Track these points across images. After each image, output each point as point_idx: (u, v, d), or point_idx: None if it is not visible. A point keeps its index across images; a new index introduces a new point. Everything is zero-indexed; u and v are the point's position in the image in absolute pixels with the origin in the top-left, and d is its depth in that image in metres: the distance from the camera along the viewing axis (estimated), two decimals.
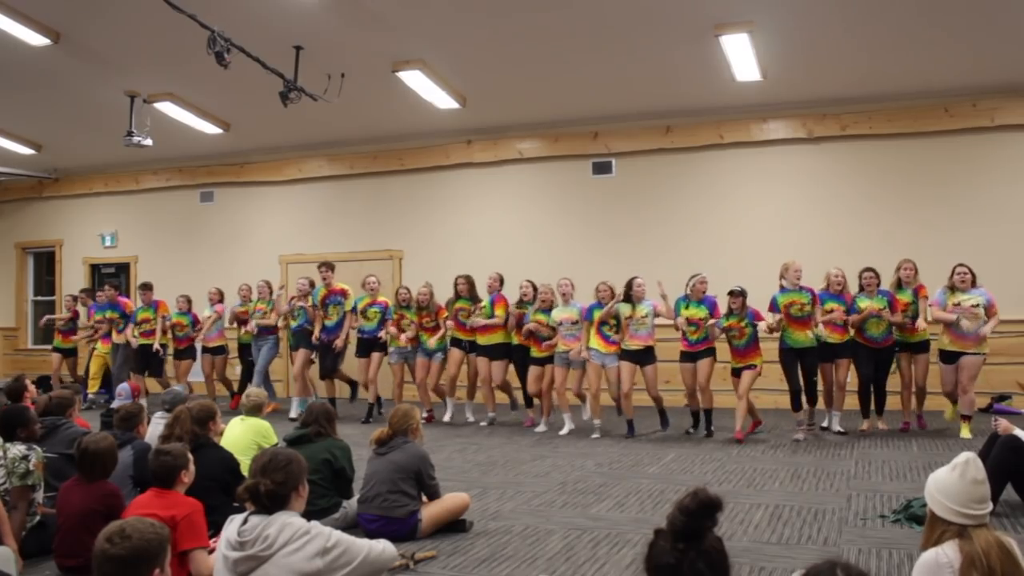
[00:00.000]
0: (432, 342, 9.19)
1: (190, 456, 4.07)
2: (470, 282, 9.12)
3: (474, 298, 9.08)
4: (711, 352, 7.96)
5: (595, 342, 8.15)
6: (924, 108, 9.70)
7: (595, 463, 6.94)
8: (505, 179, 11.56)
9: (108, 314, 11.04)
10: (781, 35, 8.65)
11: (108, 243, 13.97)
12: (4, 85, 10.63)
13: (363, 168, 12.20)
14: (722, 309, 7.93)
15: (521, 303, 8.80)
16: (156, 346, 10.60)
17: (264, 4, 8.48)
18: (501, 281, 9.06)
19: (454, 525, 4.90)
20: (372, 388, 9.51)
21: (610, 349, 8.10)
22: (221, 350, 10.61)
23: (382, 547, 3.37)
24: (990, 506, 2.61)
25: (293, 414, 9.56)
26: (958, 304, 7.36)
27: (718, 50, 8.82)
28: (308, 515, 3.28)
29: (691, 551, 1.99)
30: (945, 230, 9.38)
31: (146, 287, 10.97)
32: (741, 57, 8.92)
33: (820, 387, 8.03)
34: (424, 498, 4.87)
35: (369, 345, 9.55)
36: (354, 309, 9.60)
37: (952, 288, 7.46)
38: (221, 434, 5.37)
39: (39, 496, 4.57)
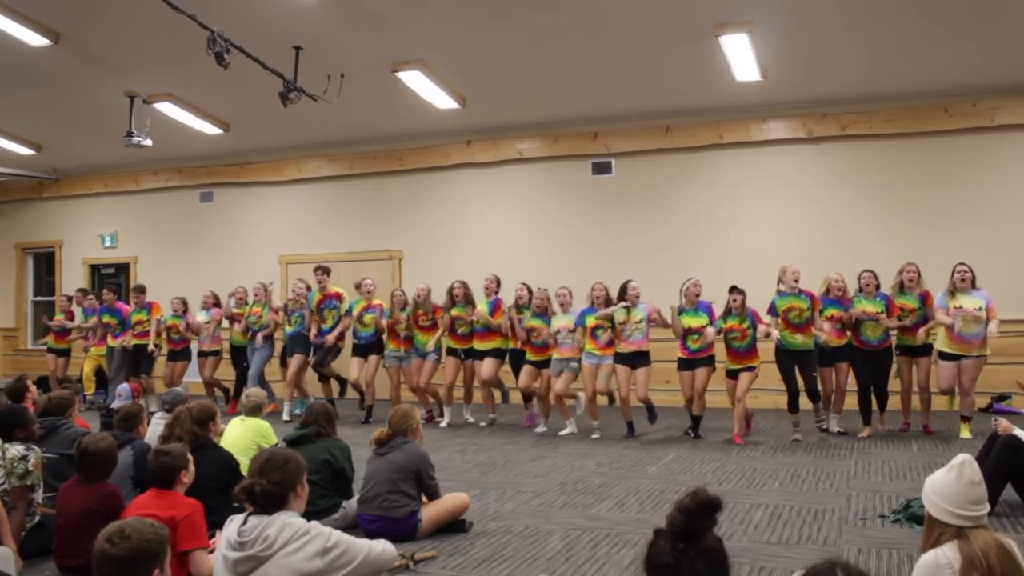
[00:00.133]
0: (429, 343, 9.14)
1: (190, 456, 4.07)
2: (466, 288, 9.08)
3: (470, 303, 9.04)
4: (710, 361, 7.89)
5: (589, 345, 8.11)
6: (924, 108, 9.70)
7: (595, 463, 6.94)
8: (505, 179, 11.56)
9: (105, 318, 11.04)
10: (781, 35, 8.65)
11: (108, 243, 13.98)
12: (4, 85, 10.63)
13: (363, 168, 12.20)
14: (719, 310, 7.88)
15: (517, 307, 8.75)
16: (151, 346, 10.59)
17: (264, 4, 8.48)
18: (498, 283, 9.03)
19: (454, 525, 4.89)
20: (370, 391, 9.50)
21: (605, 352, 8.06)
22: (216, 354, 10.60)
23: (382, 547, 3.37)
24: (987, 507, 2.61)
25: (286, 416, 9.54)
26: (960, 307, 7.32)
27: (718, 50, 8.82)
28: (308, 515, 3.28)
29: (691, 551, 1.99)
30: (945, 230, 9.38)
31: (139, 290, 10.99)
32: (741, 57, 8.92)
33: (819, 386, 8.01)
34: (424, 498, 4.87)
35: (365, 350, 9.50)
36: (349, 312, 9.54)
37: (953, 291, 7.42)
38: (221, 434, 5.37)
39: (38, 496, 4.57)
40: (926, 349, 7.79)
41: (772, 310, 7.75)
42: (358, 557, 3.19)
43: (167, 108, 10.94)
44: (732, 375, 7.80)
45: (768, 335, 7.61)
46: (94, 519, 3.86)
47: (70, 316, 11.78)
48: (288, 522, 3.09)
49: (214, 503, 4.22)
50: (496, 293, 8.99)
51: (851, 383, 8.03)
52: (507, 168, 11.52)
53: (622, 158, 10.98)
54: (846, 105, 9.92)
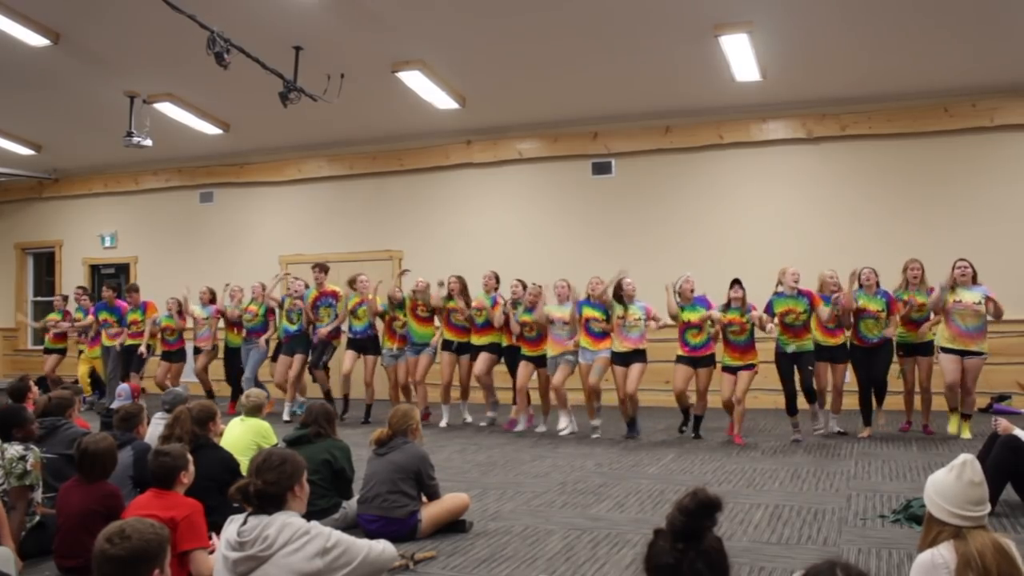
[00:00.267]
0: (424, 333, 9.12)
1: (189, 457, 4.07)
2: (462, 283, 9.07)
3: (466, 299, 9.03)
4: (711, 361, 7.86)
5: (584, 340, 8.10)
6: (924, 108, 9.70)
7: (595, 463, 6.94)
8: (505, 179, 11.57)
9: (103, 315, 11.02)
10: (780, 35, 8.65)
11: (108, 244, 13.99)
12: (4, 85, 10.64)
13: (363, 168, 12.20)
14: (716, 305, 7.85)
15: (512, 303, 8.72)
16: (142, 348, 10.55)
17: (264, 4, 8.48)
18: (497, 280, 9.03)
19: (454, 525, 4.89)
20: (369, 391, 9.50)
21: (598, 345, 8.02)
22: (211, 350, 10.58)
23: (382, 547, 3.37)
24: (987, 508, 2.60)
25: (286, 416, 9.54)
26: (959, 301, 7.32)
27: (718, 50, 8.82)
28: (308, 515, 3.27)
29: (691, 551, 1.99)
30: (945, 230, 9.37)
31: (133, 289, 10.98)
32: (741, 57, 8.92)
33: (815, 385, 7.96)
34: (424, 498, 4.87)
35: (359, 345, 9.49)
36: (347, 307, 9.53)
37: (953, 286, 7.41)
38: (221, 435, 5.37)
39: (37, 496, 4.57)
40: (928, 348, 7.78)
41: (769, 310, 7.70)
42: (358, 557, 3.19)
43: (167, 108, 10.94)
44: (731, 371, 7.70)
45: (761, 321, 7.50)
46: (94, 519, 3.86)
47: (67, 316, 11.73)
48: (288, 522, 3.08)
49: (214, 503, 4.22)
50: (495, 290, 9.00)
51: (852, 383, 8.02)
52: (507, 168, 11.53)
53: (622, 158, 10.98)
54: (846, 105, 9.92)
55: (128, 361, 10.67)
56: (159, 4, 7.03)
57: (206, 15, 7.42)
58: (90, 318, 11.23)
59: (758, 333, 7.75)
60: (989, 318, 7.37)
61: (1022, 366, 9.15)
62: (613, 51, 9.19)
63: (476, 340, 8.92)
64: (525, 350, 8.54)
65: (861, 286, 7.78)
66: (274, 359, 10.14)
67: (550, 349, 8.29)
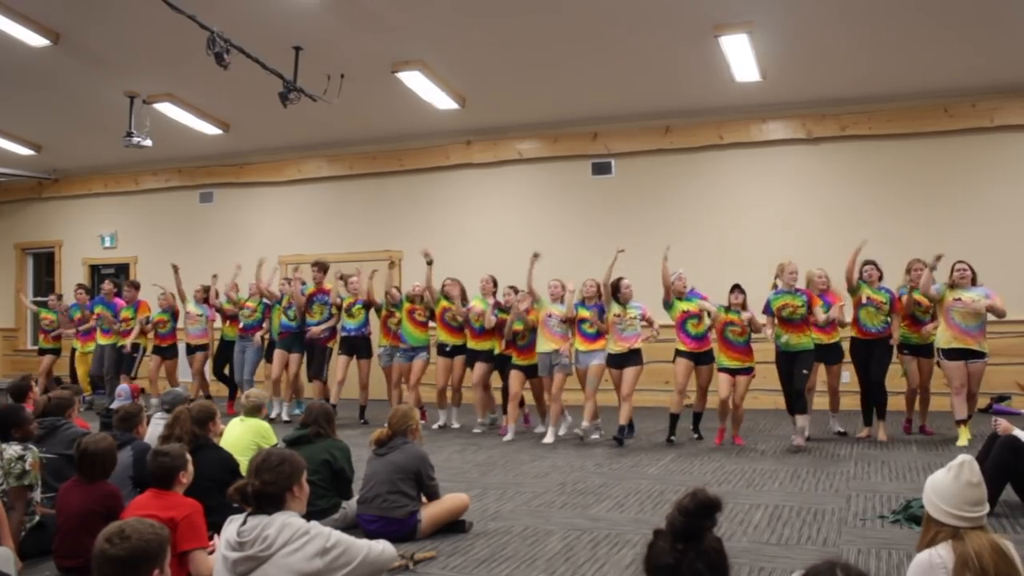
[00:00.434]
0: (418, 337, 9.11)
1: (188, 457, 4.07)
2: (458, 285, 9.05)
3: (462, 301, 9.01)
4: (712, 358, 7.83)
5: (578, 343, 8.05)
6: (924, 108, 9.71)
7: (594, 463, 6.94)
8: (505, 179, 11.57)
9: (98, 309, 10.96)
10: (780, 35, 8.66)
11: (108, 244, 13.99)
12: (4, 85, 10.64)
13: (363, 169, 12.20)
14: (714, 303, 7.83)
15: (502, 308, 8.64)
16: (127, 346, 10.50)
17: (264, 4, 8.48)
18: (495, 283, 8.99)
19: (454, 526, 4.89)
20: (364, 393, 9.51)
21: (592, 347, 7.96)
22: (204, 348, 10.57)
23: (382, 547, 3.36)
24: (986, 508, 2.60)
25: (286, 417, 9.53)
26: (959, 300, 7.25)
27: (717, 50, 8.83)
28: (308, 515, 3.27)
29: (690, 552, 1.99)
30: (945, 230, 9.35)
31: (133, 286, 10.95)
32: (740, 57, 8.93)
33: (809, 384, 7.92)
34: (424, 499, 4.87)
35: (352, 345, 9.47)
36: (339, 306, 9.52)
37: (952, 286, 7.37)
38: (220, 435, 5.37)
39: (36, 496, 4.56)
40: (928, 350, 7.73)
41: (767, 309, 7.66)
42: (358, 557, 3.19)
43: (167, 108, 10.94)
44: (730, 372, 7.63)
45: (754, 324, 7.49)
46: (94, 519, 3.86)
47: (64, 319, 11.67)
48: (288, 522, 3.08)
49: (214, 503, 4.22)
50: (493, 294, 8.96)
51: (852, 384, 8.01)
52: (507, 168, 11.53)
53: (622, 158, 10.98)
54: (846, 105, 9.93)
55: (119, 360, 10.62)
56: (159, 4, 7.04)
57: (206, 15, 7.42)
58: (91, 322, 11.11)
59: (756, 335, 7.75)
60: (991, 318, 7.32)
61: (1022, 366, 9.16)
62: (613, 51, 9.19)
63: (473, 345, 8.88)
64: (516, 358, 8.42)
65: (863, 278, 7.71)
66: (268, 359, 10.13)
67: (545, 344, 8.14)
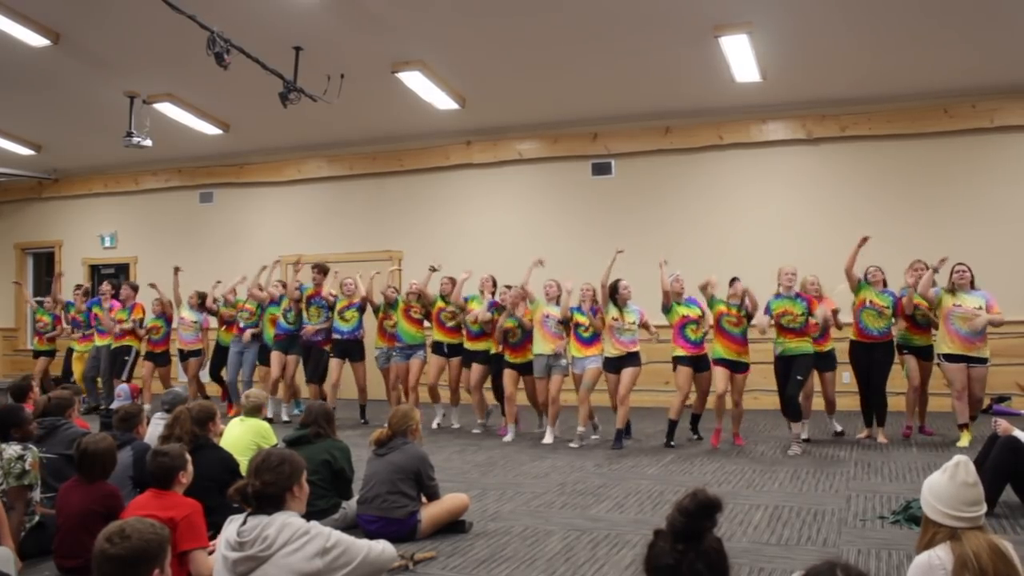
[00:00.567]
0: (414, 335, 9.11)
1: (188, 457, 4.07)
2: (455, 285, 9.05)
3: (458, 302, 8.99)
4: (709, 363, 7.82)
5: (573, 347, 8.02)
6: (924, 109, 9.71)
7: (594, 464, 6.94)
8: (505, 180, 11.57)
9: (95, 309, 10.90)
10: (780, 36, 8.66)
11: (108, 244, 13.99)
12: (4, 85, 10.64)
13: (363, 169, 12.21)
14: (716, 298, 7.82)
15: (497, 308, 8.61)
16: (111, 344, 10.40)
17: (264, 4, 8.48)
18: (494, 284, 8.98)
19: (453, 526, 4.90)
20: (362, 394, 9.52)
21: (587, 351, 7.92)
22: (197, 353, 10.48)
23: (381, 547, 3.36)
24: (983, 508, 2.60)
25: (285, 417, 9.51)
26: (959, 305, 7.24)
27: (717, 51, 8.83)
28: (308, 516, 3.27)
29: (690, 552, 1.99)
30: (945, 231, 9.35)
31: (132, 287, 10.87)
32: (740, 58, 8.92)
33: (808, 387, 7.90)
34: (423, 499, 4.87)
35: (345, 348, 9.45)
36: (333, 307, 9.52)
37: (952, 290, 7.36)
38: (220, 435, 5.37)
39: (36, 496, 4.57)
40: (928, 352, 7.72)
41: (768, 311, 7.64)
42: (358, 557, 3.19)
43: (167, 108, 10.94)
44: (724, 364, 7.55)
45: (752, 301, 7.49)
46: (94, 519, 3.86)
47: (58, 321, 11.62)
48: (288, 522, 3.08)
49: (214, 503, 4.22)
50: (492, 294, 8.96)
51: (852, 384, 8.00)
52: (507, 169, 11.53)
53: (622, 159, 10.99)
54: (846, 106, 9.93)
55: (112, 362, 10.53)
56: (159, 4, 7.04)
57: (206, 15, 7.42)
58: (99, 320, 11.07)
59: (755, 333, 7.71)
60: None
61: (1022, 367, 9.15)
62: (613, 52, 9.19)
63: (469, 346, 8.86)
64: (509, 357, 8.38)
65: (866, 279, 7.70)
66: (263, 360, 10.11)
67: (541, 345, 8.10)
